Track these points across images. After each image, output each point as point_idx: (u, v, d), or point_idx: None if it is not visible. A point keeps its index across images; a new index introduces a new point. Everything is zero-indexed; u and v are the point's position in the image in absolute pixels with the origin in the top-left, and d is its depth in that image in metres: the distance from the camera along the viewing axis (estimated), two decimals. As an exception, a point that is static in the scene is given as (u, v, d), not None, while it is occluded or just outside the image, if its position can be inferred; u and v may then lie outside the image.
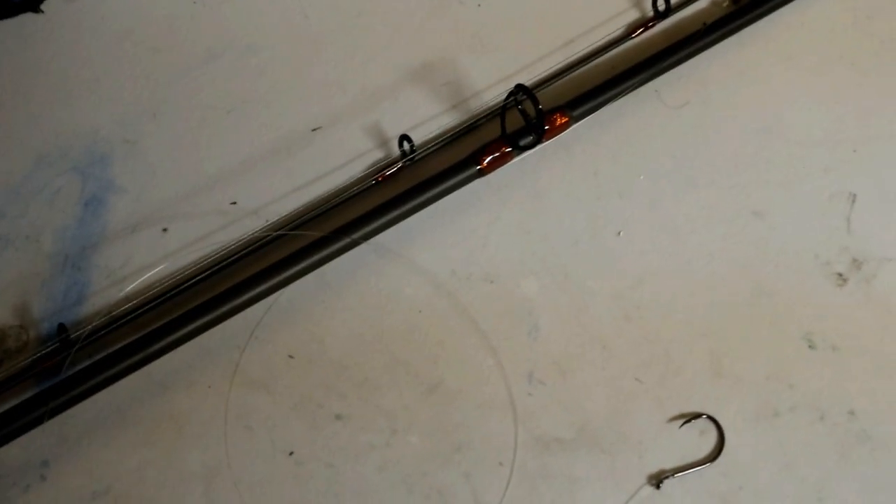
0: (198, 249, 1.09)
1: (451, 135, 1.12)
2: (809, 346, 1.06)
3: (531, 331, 1.07)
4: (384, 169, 1.09)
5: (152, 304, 1.03)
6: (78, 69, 1.18)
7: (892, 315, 1.07)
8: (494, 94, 1.15)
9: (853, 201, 1.10)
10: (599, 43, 1.18)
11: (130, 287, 1.06)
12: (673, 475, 1.02)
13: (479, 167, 1.07)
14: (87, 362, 0.99)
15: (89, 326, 1.01)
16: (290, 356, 1.05)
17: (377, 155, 1.14)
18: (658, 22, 1.17)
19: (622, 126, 1.14)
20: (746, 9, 1.16)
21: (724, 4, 1.20)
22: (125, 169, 1.13)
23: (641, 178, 1.13)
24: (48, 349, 1.00)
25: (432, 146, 1.11)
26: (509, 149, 1.07)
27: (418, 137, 1.11)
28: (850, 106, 1.16)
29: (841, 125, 1.15)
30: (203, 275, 1.04)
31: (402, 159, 1.09)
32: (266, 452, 1.02)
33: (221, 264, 1.05)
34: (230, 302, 1.01)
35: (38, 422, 0.94)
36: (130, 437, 1.02)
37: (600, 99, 1.11)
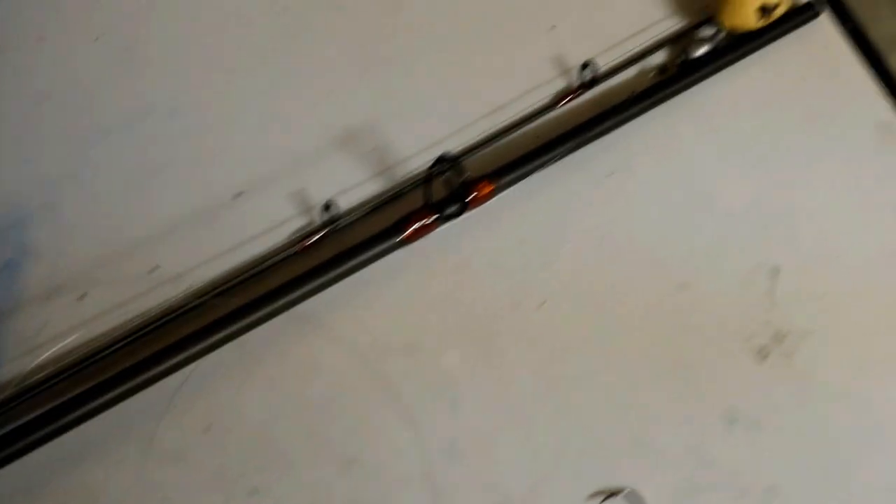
0: (116, 316, 1.10)
1: (376, 203, 1.14)
2: (730, 421, 1.08)
3: (451, 403, 1.08)
4: (307, 236, 1.11)
5: (67, 374, 1.03)
6: (-3, 129, 1.13)
7: (813, 389, 1.10)
8: (421, 161, 1.17)
9: (776, 275, 1.12)
10: (526, 111, 1.21)
11: (45, 355, 1.07)
12: (594, 552, 0.98)
13: (402, 236, 1.08)
14: (-3, 433, 0.94)
15: (0, 396, 1.00)
16: (208, 427, 1.06)
17: (301, 222, 1.15)
18: (585, 91, 1.19)
19: (548, 195, 1.17)
20: (673, 80, 1.19)
21: (651, 75, 1.22)
22: (43, 233, 1.14)
23: (566, 248, 1.14)
24: (-42, 419, 0.96)
25: (356, 214, 1.13)
26: (433, 218, 1.09)
27: (343, 204, 1.13)
28: (775, 178, 1.19)
29: (765, 197, 1.18)
30: (121, 343, 1.05)
31: (325, 227, 1.11)
32: (180, 526, 0.97)
33: (140, 332, 1.06)
34: (147, 371, 1.02)
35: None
36: (42, 510, 0.97)
37: (526, 168, 1.13)
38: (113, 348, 1.05)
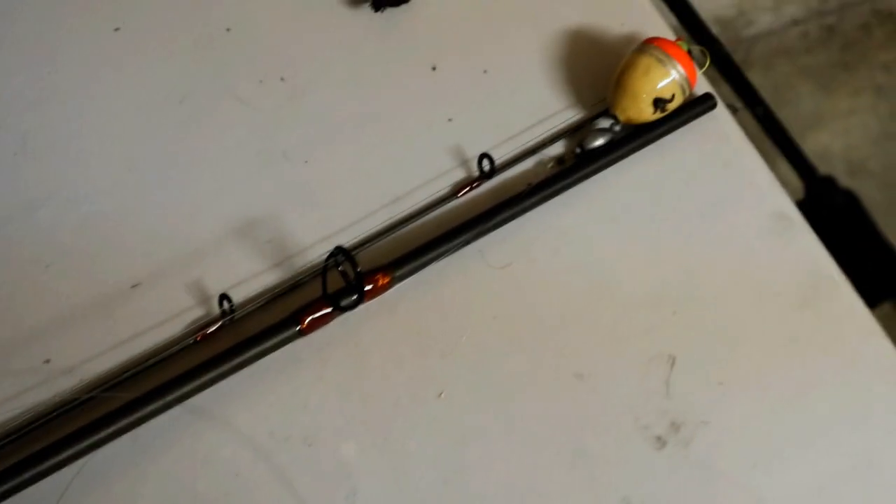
0: (5, 410, 1.11)
1: (272, 294, 1.16)
2: (627, 511, 1.07)
3: (349, 495, 1.10)
4: (203, 328, 1.13)
5: (-47, 469, 0.99)
6: None
7: (709, 479, 1.13)
8: (319, 251, 1.20)
9: (672, 364, 1.16)
10: (425, 202, 1.24)
11: (-69, 449, 1.01)
12: None
13: (299, 327, 1.11)
14: None
15: None
16: (99, 524, 1.01)
17: (197, 313, 1.17)
18: (483, 182, 1.23)
19: (446, 286, 1.20)
20: (570, 170, 1.23)
21: (549, 166, 1.26)
22: (-71, 322, 1.07)
23: (464, 338, 1.17)
24: None
25: (253, 305, 1.15)
26: (330, 309, 1.11)
27: (239, 296, 1.15)
28: (672, 268, 1.23)
29: (662, 287, 1.22)
30: (9, 438, 1.07)
31: (221, 318, 1.13)
32: None
33: (31, 427, 1.07)
34: (36, 466, 1.03)
35: None
36: None
37: (423, 259, 1.16)
38: (2, 442, 1.06)
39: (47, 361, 1.16)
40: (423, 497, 1.12)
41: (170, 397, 1.08)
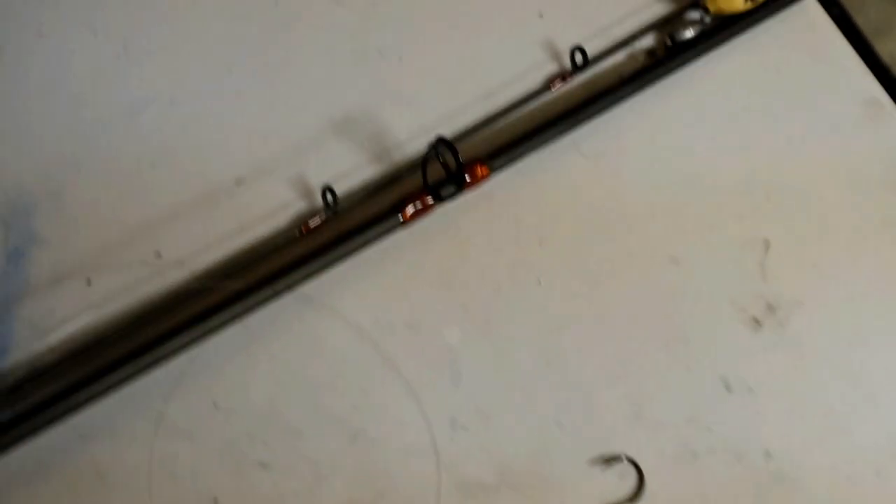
0: (122, 301, 1.17)
1: (374, 186, 1.22)
2: (726, 389, 1.16)
3: (453, 377, 1.16)
4: (308, 220, 1.18)
5: (76, 356, 1.11)
6: (1, 121, 1.26)
7: (804, 357, 1.18)
8: (415, 145, 1.25)
9: (767, 247, 1.21)
10: (519, 96, 1.28)
11: (53, 339, 1.14)
12: (594, 518, 1.05)
13: (401, 218, 1.16)
14: (9, 415, 1.06)
15: (11, 379, 1.09)
16: (215, 405, 1.14)
17: (301, 206, 1.23)
18: (576, 75, 1.27)
19: (541, 177, 1.25)
20: (662, 62, 1.27)
21: (640, 58, 1.30)
22: (48, 220, 1.21)
23: (561, 226, 1.22)
24: (-30, 401, 1.02)
25: (355, 198, 1.21)
26: (431, 200, 1.16)
27: (341, 189, 1.20)
28: (762, 155, 1.27)
29: (753, 174, 1.26)
30: (127, 326, 1.13)
31: (325, 211, 1.18)
32: (190, 500, 1.10)
33: (145, 316, 1.14)
34: (153, 353, 1.09)
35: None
36: (54, 488, 1.10)
37: (519, 150, 1.21)
38: (120, 330, 1.13)
39: (158, 254, 1.21)
40: (524, 379, 1.18)
41: (278, 286, 1.13)
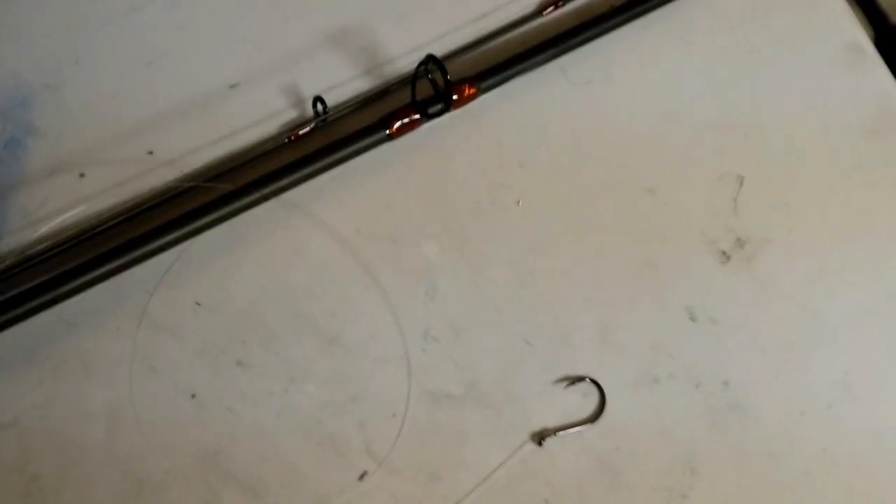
0: (113, 196, 1.21)
1: (364, 99, 1.25)
2: (690, 319, 1.21)
3: (429, 290, 1.21)
4: (297, 128, 1.22)
5: (65, 246, 1.15)
6: (1, 13, 1.29)
7: (769, 293, 1.23)
8: (406, 62, 1.28)
9: (741, 184, 1.25)
10: (510, 19, 1.31)
11: (45, 228, 1.18)
12: (555, 433, 1.18)
13: (388, 132, 1.20)
14: (-3, 299, 1.04)
15: (1, 265, 1.13)
16: (197, 303, 1.19)
17: (292, 114, 1.26)
18: (567, 2, 1.30)
19: (527, 100, 1.28)
20: (653, -6, 1.25)
21: (632, -12, 1.30)
22: (45, 113, 1.24)
23: (543, 150, 1.26)
24: (-42, 285, 1.06)
25: (345, 109, 1.24)
26: (418, 116, 1.20)
27: (332, 100, 1.23)
28: (745, 93, 1.30)
29: (734, 111, 1.29)
30: (116, 220, 1.17)
31: (315, 120, 1.21)
32: (169, 394, 1.16)
33: (135, 211, 1.17)
34: (141, 248, 1.13)
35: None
36: (38, 373, 1.15)
37: (507, 73, 1.24)
38: (109, 224, 1.17)
39: (150, 153, 1.25)
40: (497, 297, 1.23)
41: (266, 190, 1.17)
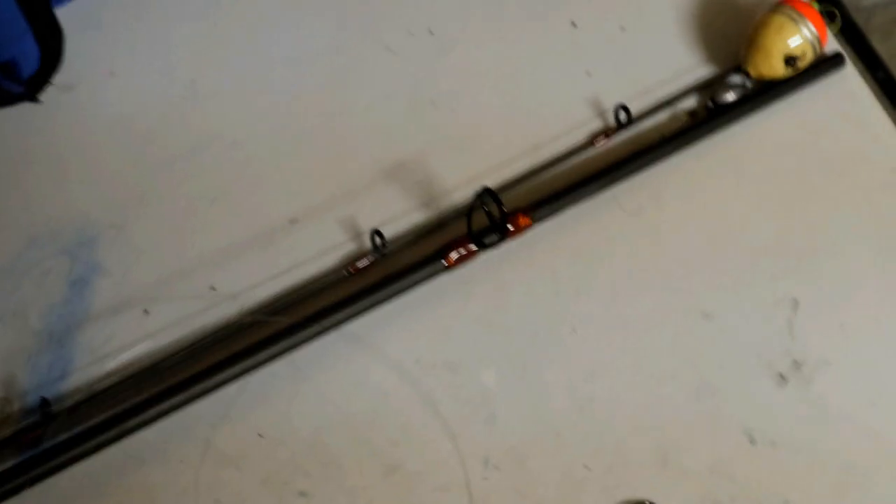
0: (176, 331, 1.23)
1: (421, 231, 1.27)
2: (750, 442, 1.20)
3: (488, 418, 1.21)
4: (356, 261, 1.24)
5: (131, 382, 1.17)
6: (71, 156, 1.34)
7: (828, 414, 1.21)
8: (463, 193, 1.30)
9: (796, 307, 1.25)
10: (563, 150, 1.34)
11: (111, 365, 1.21)
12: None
13: (445, 263, 1.21)
14: (66, 435, 1.12)
15: (70, 401, 1.15)
16: (260, 435, 1.20)
17: (350, 248, 1.29)
18: (619, 132, 1.32)
19: (581, 229, 1.30)
20: (702, 123, 1.32)
21: (682, 118, 1.35)
22: (111, 252, 1.28)
23: (598, 278, 1.27)
24: (30, 422, 1.14)
25: (402, 241, 1.26)
26: (474, 247, 1.21)
27: (390, 232, 1.26)
28: (795, 219, 1.31)
29: (786, 236, 1.30)
30: (180, 356, 1.19)
31: (373, 253, 1.24)
32: (234, 525, 1.10)
33: (198, 346, 1.20)
34: (204, 382, 1.14)
35: (17, 490, 1.09)
36: (106, 506, 1.10)
37: (561, 202, 1.26)
38: (173, 359, 1.19)
39: (213, 288, 1.28)
40: (556, 423, 1.23)
41: (325, 323, 1.19)
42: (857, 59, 1.35)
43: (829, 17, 1.37)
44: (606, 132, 1.33)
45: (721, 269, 1.29)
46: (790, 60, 1.33)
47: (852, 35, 1.37)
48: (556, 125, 1.38)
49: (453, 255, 1.22)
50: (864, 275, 1.30)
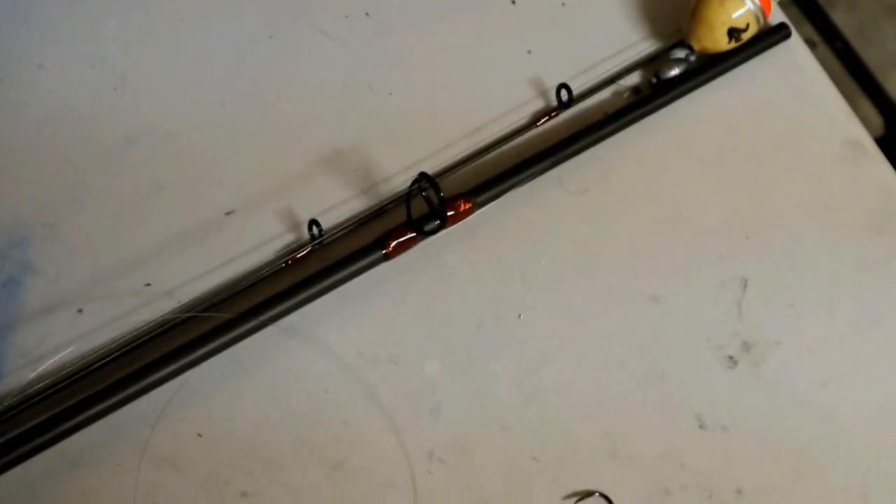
0: (111, 330, 1.20)
1: (359, 220, 1.24)
2: (700, 427, 1.17)
3: (433, 411, 1.18)
4: (294, 252, 1.21)
5: (65, 384, 1.14)
6: (-1, 152, 1.25)
7: (779, 397, 1.19)
8: (403, 179, 1.27)
9: (744, 287, 1.23)
10: (505, 132, 1.31)
11: (44, 367, 1.17)
12: (566, 553, 1.08)
13: (384, 251, 1.18)
14: (-1, 440, 1.03)
15: (1, 405, 1.12)
16: (199, 434, 1.17)
17: (288, 238, 1.26)
18: (561, 112, 1.30)
19: (525, 212, 1.27)
20: (646, 100, 1.29)
21: (626, 95, 1.33)
22: (43, 251, 1.25)
23: (543, 262, 1.24)
24: (-40, 427, 1.06)
25: (340, 230, 1.23)
26: (414, 234, 1.18)
27: (328, 222, 1.23)
28: (744, 195, 1.28)
29: (734, 213, 1.27)
30: (116, 355, 1.16)
31: (311, 243, 1.21)
32: (173, 529, 1.07)
33: (134, 344, 1.17)
34: (140, 381, 1.12)
35: (-54, 500, 1.00)
36: (40, 513, 1.06)
37: (503, 186, 1.23)
38: (108, 359, 1.16)
39: (148, 285, 1.25)
40: (503, 414, 1.20)
41: (264, 317, 1.16)
42: (814, 30, 1.30)
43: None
44: (549, 112, 1.31)
45: (669, 250, 1.27)
46: (733, 32, 1.30)
47: (807, 5, 1.32)
48: (498, 107, 1.35)
49: (393, 243, 1.19)
50: (815, 252, 1.28)
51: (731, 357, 1.21)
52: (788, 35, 1.38)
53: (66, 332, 1.22)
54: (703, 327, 1.24)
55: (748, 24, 1.31)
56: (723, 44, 1.33)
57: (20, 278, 1.24)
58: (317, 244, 1.22)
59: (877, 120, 1.86)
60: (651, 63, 1.38)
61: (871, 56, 1.66)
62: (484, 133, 1.34)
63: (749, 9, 1.31)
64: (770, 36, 1.38)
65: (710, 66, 1.35)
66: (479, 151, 1.31)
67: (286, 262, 1.22)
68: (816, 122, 1.36)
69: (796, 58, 1.40)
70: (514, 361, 1.22)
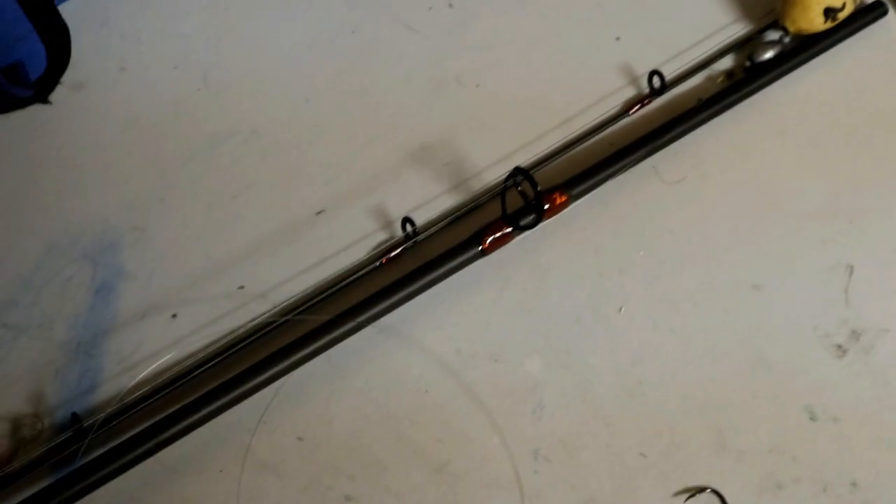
0: (207, 335, 1.19)
1: (453, 216, 1.22)
2: (811, 418, 1.14)
3: (535, 409, 1.16)
4: (388, 251, 1.19)
5: (164, 391, 1.12)
6: (86, 158, 1.30)
7: (891, 385, 1.15)
8: (495, 173, 1.25)
9: (850, 273, 1.19)
10: (597, 121, 1.28)
11: (142, 374, 1.16)
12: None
13: (480, 247, 1.16)
14: (100, 450, 1.08)
15: (102, 415, 1.11)
16: (300, 438, 1.15)
17: (381, 237, 1.24)
18: (654, 99, 1.26)
19: (621, 203, 1.24)
20: (740, 84, 1.26)
21: (719, 80, 1.29)
22: (134, 255, 1.24)
23: (641, 254, 1.21)
24: (62, 439, 1.10)
25: (434, 227, 1.21)
26: (510, 229, 1.16)
27: (421, 218, 1.21)
28: (845, 178, 1.25)
29: (836, 197, 1.23)
30: (213, 360, 1.14)
31: (405, 241, 1.19)
32: (277, 534, 1.06)
33: (230, 349, 1.15)
34: (239, 387, 1.10)
35: (53, 511, 0.98)
36: (144, 522, 1.05)
37: (598, 177, 1.20)
38: (206, 366, 1.14)
39: (241, 287, 1.23)
40: (607, 409, 1.18)
41: (361, 318, 1.14)
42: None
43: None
44: (641, 100, 1.28)
45: (770, 237, 1.23)
46: (829, 12, 1.27)
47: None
48: (588, 95, 1.32)
49: (489, 239, 1.17)
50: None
51: (839, 346, 1.18)
52: (885, 12, 1.33)
53: (162, 337, 1.21)
54: (808, 315, 1.20)
55: (844, 3, 1.27)
56: (818, 24, 1.29)
57: (113, 284, 1.23)
58: (411, 242, 1.20)
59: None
60: (744, 46, 1.34)
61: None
62: (575, 123, 1.31)
63: (846, -13, 1.19)
64: (866, 14, 1.33)
65: (805, 48, 1.31)
66: (571, 142, 1.28)
67: (381, 261, 1.20)
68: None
69: (894, 34, 1.34)
70: (615, 355, 1.20)
